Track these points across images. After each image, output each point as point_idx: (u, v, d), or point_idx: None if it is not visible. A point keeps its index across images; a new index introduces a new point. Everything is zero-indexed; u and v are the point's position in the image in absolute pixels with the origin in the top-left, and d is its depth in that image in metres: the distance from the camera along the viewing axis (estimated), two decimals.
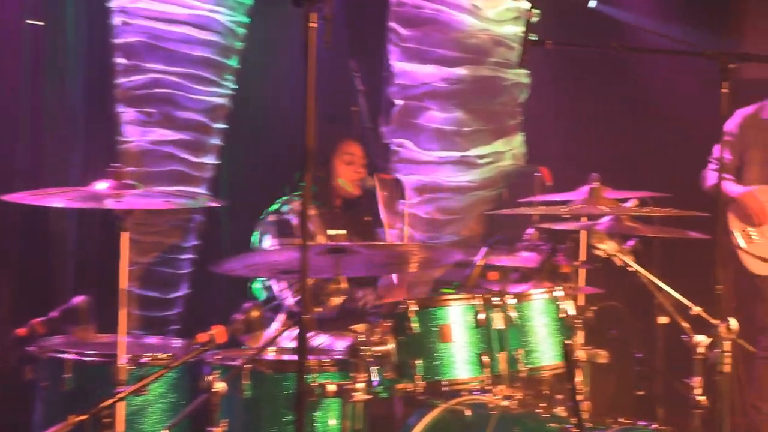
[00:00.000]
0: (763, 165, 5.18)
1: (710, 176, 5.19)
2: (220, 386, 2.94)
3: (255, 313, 3.14)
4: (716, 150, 5.19)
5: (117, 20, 5.01)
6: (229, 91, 5.29)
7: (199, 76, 5.14)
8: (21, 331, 3.16)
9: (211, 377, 2.96)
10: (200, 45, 5.13)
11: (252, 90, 5.35)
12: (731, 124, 5.23)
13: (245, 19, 5.29)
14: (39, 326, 3.17)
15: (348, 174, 4.30)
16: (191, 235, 5.29)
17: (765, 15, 6.57)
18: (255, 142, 5.42)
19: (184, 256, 5.27)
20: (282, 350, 3.61)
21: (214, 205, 5.19)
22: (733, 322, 3.13)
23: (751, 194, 5.08)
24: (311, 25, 2.49)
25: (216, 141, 5.29)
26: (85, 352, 3.42)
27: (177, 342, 3.84)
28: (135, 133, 5.10)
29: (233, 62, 5.28)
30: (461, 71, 5.82)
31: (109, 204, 3.16)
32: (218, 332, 3.06)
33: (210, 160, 5.28)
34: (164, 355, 3.44)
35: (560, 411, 3.63)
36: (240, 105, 5.34)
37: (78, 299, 3.21)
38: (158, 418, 3.41)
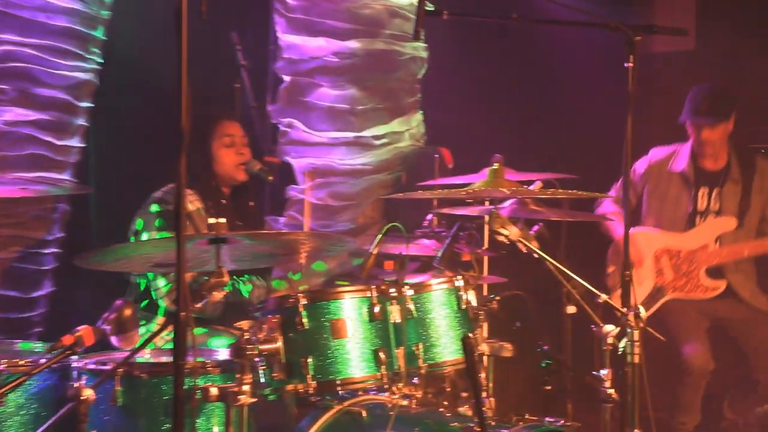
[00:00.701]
0: (658, 215, 5.31)
1: (604, 205, 5.30)
2: (88, 393, 2.89)
3: (127, 312, 3.10)
4: (618, 185, 5.31)
5: None
6: (96, 66, 5.17)
7: (60, 48, 4.99)
8: None
9: (78, 384, 2.91)
10: (60, 14, 4.99)
11: (122, 64, 5.25)
12: (641, 165, 5.36)
13: None
14: None
15: (229, 157, 4.27)
16: (55, 227, 5.17)
17: None
18: (126, 123, 5.33)
19: (47, 251, 5.14)
20: (159, 351, 3.57)
21: (80, 192, 5.11)
22: (642, 310, 3.24)
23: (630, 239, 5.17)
24: None
25: (82, 121, 5.17)
26: None
27: (39, 345, 3.75)
28: None
29: (99, 33, 5.16)
30: (354, 44, 5.83)
31: None
32: (85, 333, 3.01)
33: (75, 142, 5.16)
34: (24, 361, 3.35)
35: (464, 409, 3.70)
36: (108, 81, 5.23)
37: None
38: None
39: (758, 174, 5.22)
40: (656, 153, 5.39)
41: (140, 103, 5.29)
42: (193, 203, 4.10)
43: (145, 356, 3.49)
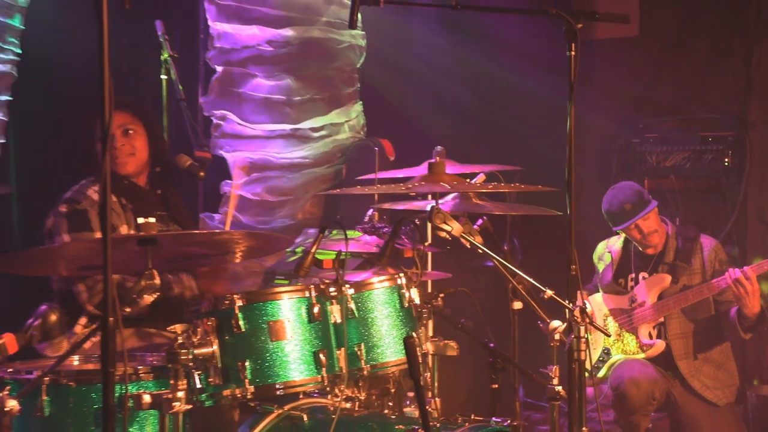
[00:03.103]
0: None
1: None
2: (12, 404, 2.86)
3: (53, 318, 3.07)
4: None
5: None
6: (14, 57, 5.10)
7: None
8: None
9: (1, 394, 2.88)
10: None
11: (42, 55, 5.18)
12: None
13: None
14: None
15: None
16: None
17: None
18: (48, 117, 5.26)
19: None
20: (88, 358, 3.53)
21: None
22: (588, 306, 3.28)
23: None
24: None
25: (0, 116, 5.10)
26: None
27: None
28: None
29: (17, 22, 5.08)
30: (289, 32, 5.82)
31: None
32: (8, 341, 2.98)
33: None
34: None
35: (410, 410, 3.72)
36: (28, 73, 5.16)
37: None
38: None
39: (697, 253, 5.13)
40: (605, 242, 5.40)
41: (63, 96, 5.22)
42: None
43: (73, 363, 3.46)
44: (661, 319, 5.11)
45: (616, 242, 5.35)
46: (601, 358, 5.17)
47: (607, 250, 5.37)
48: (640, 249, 5.21)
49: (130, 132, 4.11)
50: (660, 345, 5.08)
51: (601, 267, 5.36)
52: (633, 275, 5.25)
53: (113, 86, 2.50)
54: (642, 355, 5.10)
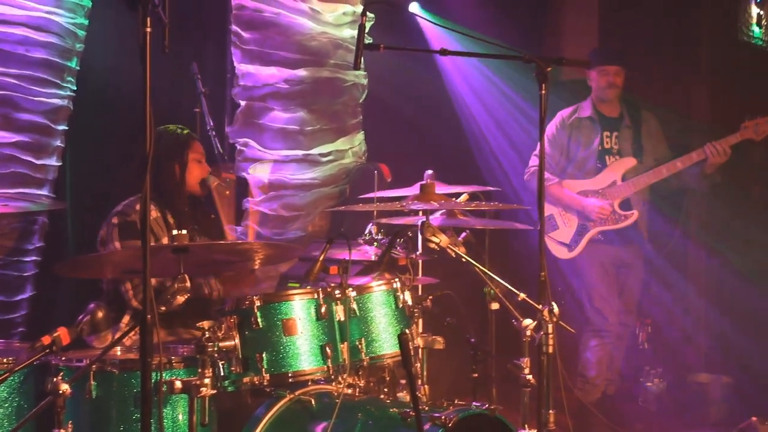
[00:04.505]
0: (575, 156, 5.45)
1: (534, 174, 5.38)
2: (65, 388, 2.85)
3: (99, 314, 3.06)
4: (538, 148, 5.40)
5: None
6: (71, 93, 5.09)
7: (38, 77, 4.91)
8: None
9: (55, 379, 2.86)
10: (39, 47, 4.90)
11: (94, 92, 5.17)
12: (552, 125, 5.48)
13: (85, 21, 5.10)
14: None
15: (200, 172, 4.19)
16: (35, 237, 5.07)
17: (582, 15, 6.94)
18: (98, 144, 5.25)
19: (28, 259, 5.04)
20: (129, 349, 3.51)
21: (57, 207, 5.02)
22: (555, 307, 3.27)
23: (596, 206, 5.35)
24: (147, 29, 2.43)
25: (58, 143, 5.09)
26: None
27: (20, 345, 3.67)
28: None
29: (73, 64, 5.08)
30: (302, 73, 5.82)
31: None
32: (62, 334, 2.97)
33: (53, 161, 5.07)
34: (6, 359, 3.28)
35: (403, 395, 3.70)
36: (82, 107, 5.15)
37: None
38: (1, 423, 3.25)
39: (644, 122, 5.49)
40: (564, 111, 5.60)
41: (111, 126, 5.21)
42: (150, 213, 3.99)
43: (117, 353, 3.44)
44: (632, 192, 5.35)
45: (583, 109, 5.48)
46: (578, 232, 5.28)
47: (580, 116, 5.49)
48: (597, 105, 5.43)
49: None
50: (635, 214, 5.32)
51: (575, 136, 5.45)
52: (606, 132, 5.44)
53: (154, 117, 2.50)
54: (617, 225, 5.32)
